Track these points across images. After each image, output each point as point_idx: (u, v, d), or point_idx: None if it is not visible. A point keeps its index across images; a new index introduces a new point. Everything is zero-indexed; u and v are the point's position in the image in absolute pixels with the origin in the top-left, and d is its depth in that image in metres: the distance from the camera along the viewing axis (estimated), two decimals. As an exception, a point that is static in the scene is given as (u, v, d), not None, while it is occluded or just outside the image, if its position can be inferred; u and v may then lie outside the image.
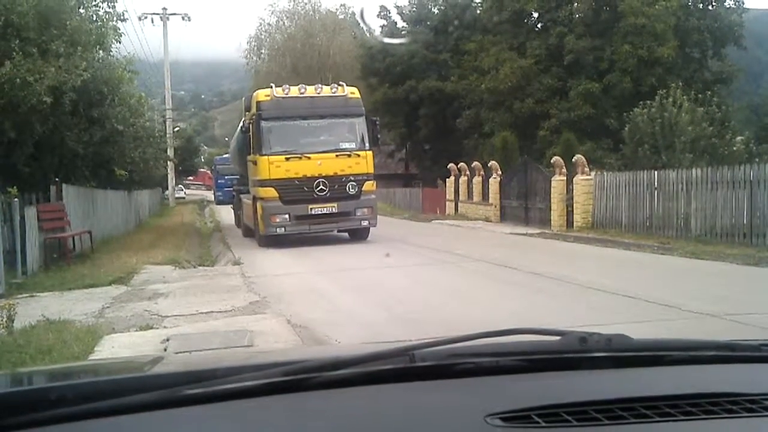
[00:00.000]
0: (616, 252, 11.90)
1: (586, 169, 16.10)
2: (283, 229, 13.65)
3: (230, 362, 1.53)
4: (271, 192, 13.52)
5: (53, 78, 10.34)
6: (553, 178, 16.62)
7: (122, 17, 13.80)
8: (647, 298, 6.96)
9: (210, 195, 50.31)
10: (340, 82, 14.96)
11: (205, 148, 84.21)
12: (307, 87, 14.25)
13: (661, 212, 13.67)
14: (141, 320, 6.57)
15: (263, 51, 38.62)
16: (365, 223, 14.33)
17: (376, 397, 1.09)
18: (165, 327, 6.27)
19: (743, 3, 29.18)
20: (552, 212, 16.55)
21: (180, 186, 54.27)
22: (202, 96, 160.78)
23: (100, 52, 13.44)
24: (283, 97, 13.95)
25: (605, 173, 16.62)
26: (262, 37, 38.92)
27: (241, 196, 17.58)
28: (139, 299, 7.88)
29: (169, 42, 35.66)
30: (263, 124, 13.74)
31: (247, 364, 1.37)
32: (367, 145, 14.23)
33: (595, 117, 25.89)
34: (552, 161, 17.24)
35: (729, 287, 7.80)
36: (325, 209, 13.76)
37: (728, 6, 28.80)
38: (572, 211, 16.07)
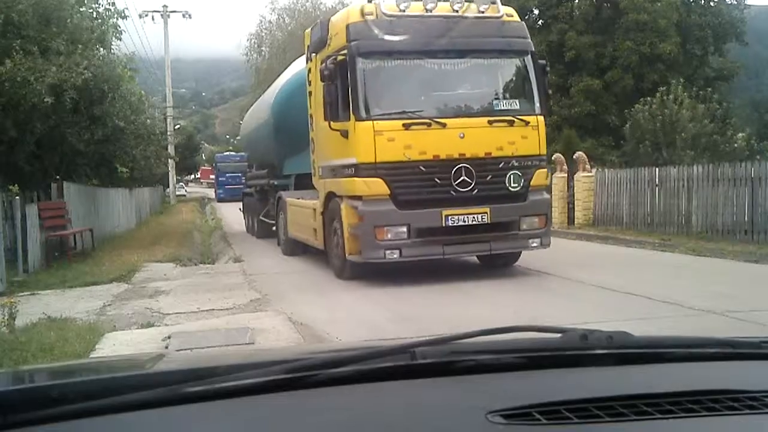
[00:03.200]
0: (617, 249, 11.90)
1: (587, 166, 16.10)
2: (397, 252, 7.94)
3: (231, 360, 1.53)
4: (376, 185, 7.91)
5: (54, 76, 10.36)
6: (554, 175, 16.59)
7: (122, 14, 13.81)
8: (648, 295, 6.96)
9: (211, 192, 50.36)
10: None
11: (206, 145, 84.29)
12: (438, 1, 8.28)
13: (662, 209, 13.66)
14: (142, 318, 6.58)
15: (264, 48, 38.61)
16: (535, 244, 8.49)
17: (377, 395, 1.10)
18: (166, 324, 6.29)
19: (744, -1, 29.15)
20: (553, 209, 16.53)
21: (181, 184, 54.31)
22: (203, 93, 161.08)
23: (101, 49, 13.44)
24: (397, 17, 8.10)
25: (606, 170, 16.62)
26: (263, 34, 38.93)
27: (281, 194, 12.28)
28: (141, 297, 7.89)
29: (169, 39, 35.68)
30: (362, 64, 7.97)
31: (248, 361, 1.37)
32: (537, 106, 8.57)
33: (596, 114, 25.87)
34: (553, 158, 17.21)
35: (730, 284, 7.80)
36: (470, 217, 8.12)
37: (729, 2, 28.76)
38: (573, 208, 16.07)
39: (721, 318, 5.91)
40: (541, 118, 8.54)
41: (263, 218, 14.49)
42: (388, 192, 7.94)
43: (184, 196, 49.78)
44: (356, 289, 8.06)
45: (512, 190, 8.27)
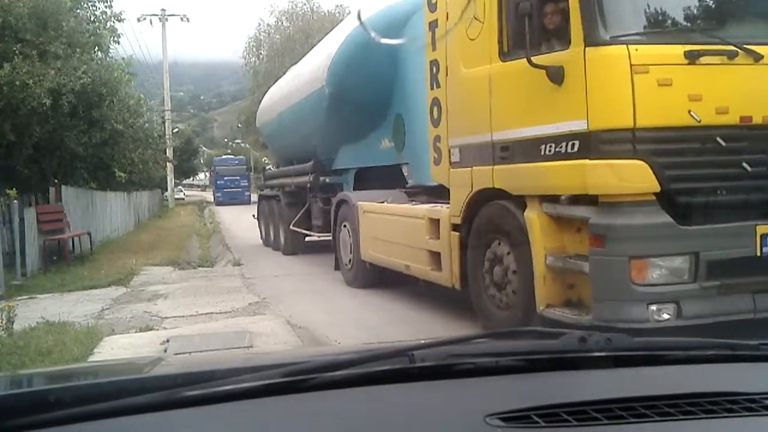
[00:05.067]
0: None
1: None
2: (671, 308, 4.00)
3: (230, 363, 1.53)
4: (636, 174, 4.08)
5: (52, 80, 10.37)
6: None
7: (119, 17, 13.83)
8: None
9: (209, 196, 50.36)
10: None
11: (204, 149, 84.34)
12: None
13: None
14: (140, 321, 6.57)
15: (262, 52, 38.68)
16: None
17: (376, 398, 1.10)
18: (164, 328, 6.28)
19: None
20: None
21: (179, 187, 54.35)
22: (201, 97, 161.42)
23: (99, 53, 13.46)
24: None
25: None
26: (261, 37, 39.01)
27: (347, 195, 8.47)
28: (139, 300, 7.88)
29: (168, 43, 35.71)
30: None
31: (246, 365, 1.37)
32: None
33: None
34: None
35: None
36: None
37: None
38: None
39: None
40: None
41: (295, 228, 11.41)
42: (657, 187, 4.11)
43: (183, 199, 49.75)
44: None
45: None
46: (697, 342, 1.39)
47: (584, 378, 1.20)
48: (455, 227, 5.64)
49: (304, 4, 37.89)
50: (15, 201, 9.88)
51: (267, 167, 17.06)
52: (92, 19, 13.29)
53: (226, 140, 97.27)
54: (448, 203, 5.84)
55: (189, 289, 8.62)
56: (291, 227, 11.61)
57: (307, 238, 11.58)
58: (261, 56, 38.69)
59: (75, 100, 11.33)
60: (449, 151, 5.79)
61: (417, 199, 7.22)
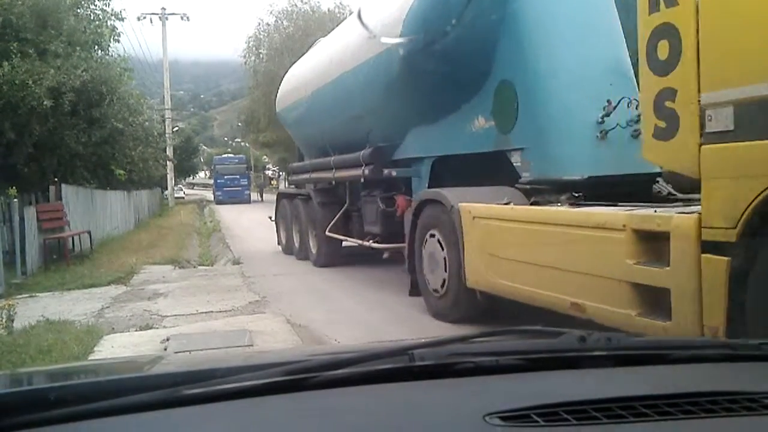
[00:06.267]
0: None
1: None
2: None
3: (230, 362, 1.53)
4: None
5: (52, 79, 10.38)
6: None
7: (120, 16, 13.83)
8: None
9: (208, 195, 50.36)
10: None
11: (205, 148, 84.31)
12: None
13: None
14: (140, 320, 6.58)
15: (262, 51, 38.65)
16: None
17: (375, 397, 1.10)
18: (164, 327, 6.28)
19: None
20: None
21: (179, 186, 54.33)
22: (201, 96, 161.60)
23: (99, 51, 13.47)
24: None
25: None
26: (261, 36, 38.97)
27: (442, 194, 5.90)
28: (139, 299, 7.89)
29: (168, 42, 35.70)
30: None
31: (246, 363, 1.37)
32: None
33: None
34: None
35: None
36: None
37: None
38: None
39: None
40: None
41: (332, 234, 9.63)
42: None
43: (183, 198, 49.76)
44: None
45: None
46: (697, 341, 1.39)
47: (584, 377, 1.20)
48: (711, 247, 3.27)
49: (305, 3, 37.87)
50: (15, 200, 9.89)
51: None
52: (92, 18, 13.29)
53: (226, 139, 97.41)
54: (611, 205, 4.21)
55: (189, 287, 8.62)
56: (327, 233, 9.61)
57: (343, 242, 9.80)
58: (261, 55, 38.66)
59: (75, 99, 11.33)
60: (703, 113, 3.34)
61: (544, 199, 5.25)
